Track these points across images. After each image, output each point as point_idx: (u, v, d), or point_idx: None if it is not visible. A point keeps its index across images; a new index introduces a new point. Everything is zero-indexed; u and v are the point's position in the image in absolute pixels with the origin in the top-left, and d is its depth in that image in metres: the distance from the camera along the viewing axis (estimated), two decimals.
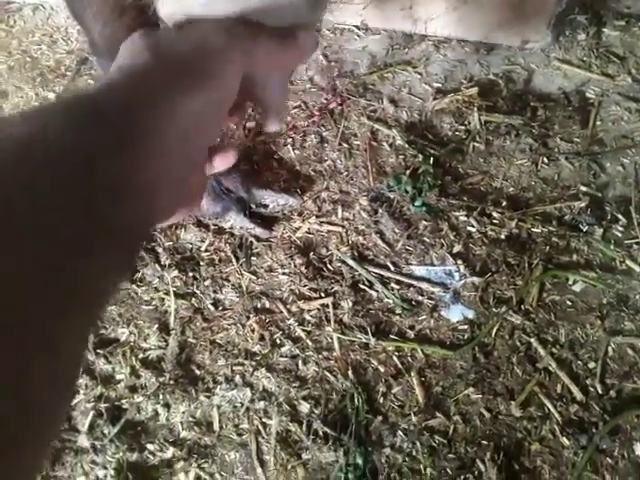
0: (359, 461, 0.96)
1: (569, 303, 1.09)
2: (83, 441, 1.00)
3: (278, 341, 1.07)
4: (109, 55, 0.96)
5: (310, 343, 1.06)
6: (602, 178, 1.23)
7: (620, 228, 1.16)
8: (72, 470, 0.98)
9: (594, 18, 1.46)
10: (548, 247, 1.15)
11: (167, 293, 1.11)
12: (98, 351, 1.06)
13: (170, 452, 0.99)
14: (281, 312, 1.09)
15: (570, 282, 1.11)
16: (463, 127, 1.30)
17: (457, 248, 1.15)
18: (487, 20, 1.38)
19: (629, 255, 1.13)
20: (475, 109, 1.30)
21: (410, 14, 1.40)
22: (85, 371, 1.04)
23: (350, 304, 1.09)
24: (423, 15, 1.40)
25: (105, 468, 0.98)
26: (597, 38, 1.43)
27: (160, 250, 1.16)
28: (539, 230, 1.16)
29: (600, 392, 1.02)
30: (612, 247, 1.14)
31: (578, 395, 1.01)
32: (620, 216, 1.17)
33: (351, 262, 1.13)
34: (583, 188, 1.21)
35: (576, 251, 1.14)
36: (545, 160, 1.25)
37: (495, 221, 1.18)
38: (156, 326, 1.08)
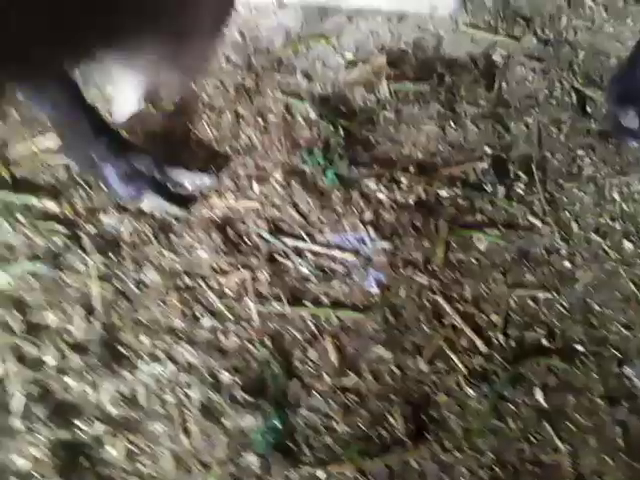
0: (277, 423, 0.97)
1: (474, 261, 1.10)
2: (16, 423, 0.99)
3: (199, 315, 1.05)
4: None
5: (230, 315, 1.05)
6: (506, 139, 1.22)
7: (522, 186, 1.16)
8: (8, 452, 0.98)
9: None
10: (454, 209, 1.14)
11: (91, 278, 1.09)
12: (26, 337, 1.04)
13: (99, 428, 0.98)
14: (201, 287, 1.08)
15: (475, 241, 1.11)
16: (374, 97, 1.27)
17: (368, 215, 1.14)
18: None
19: (530, 211, 1.13)
20: (384, 78, 1.27)
21: None
22: (15, 357, 1.02)
23: (267, 276, 1.08)
24: None
25: (40, 447, 0.97)
26: (504, 1, 1.40)
27: (83, 235, 1.12)
28: (445, 193, 1.15)
29: (502, 343, 1.03)
30: (514, 204, 1.14)
31: (482, 347, 1.02)
32: (522, 174, 1.17)
33: (267, 235, 1.12)
34: (488, 150, 1.20)
35: (480, 211, 1.14)
36: (452, 124, 1.24)
37: (403, 187, 1.16)
38: (81, 309, 1.06)
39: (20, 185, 1.18)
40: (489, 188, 1.15)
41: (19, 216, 1.13)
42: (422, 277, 1.07)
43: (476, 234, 1.11)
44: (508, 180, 1.16)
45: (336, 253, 1.10)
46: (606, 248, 1.10)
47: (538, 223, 1.11)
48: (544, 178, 1.16)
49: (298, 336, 1.04)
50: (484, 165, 1.17)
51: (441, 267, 1.08)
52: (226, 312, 1.05)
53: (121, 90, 0.89)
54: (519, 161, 1.18)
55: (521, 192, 1.15)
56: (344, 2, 1.38)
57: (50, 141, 1.20)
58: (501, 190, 1.15)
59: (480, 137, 1.22)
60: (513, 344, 1.03)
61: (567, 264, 1.08)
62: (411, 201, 1.15)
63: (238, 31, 1.38)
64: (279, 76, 1.31)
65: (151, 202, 1.13)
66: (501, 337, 1.03)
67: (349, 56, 1.33)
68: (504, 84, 1.29)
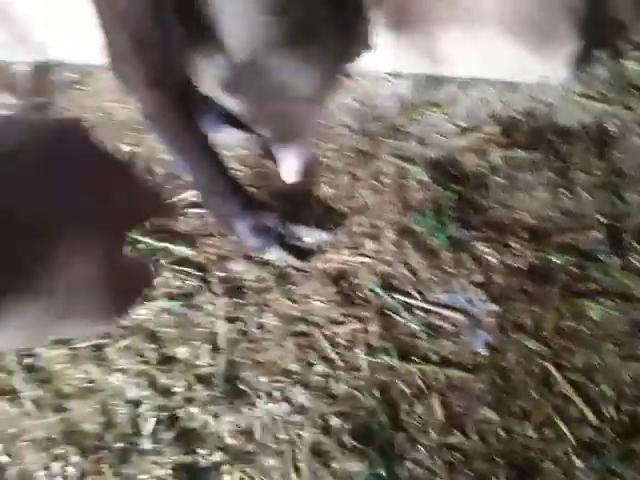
0: (382, 472, 1.00)
1: (586, 330, 1.09)
2: (146, 444, 1.09)
3: (313, 361, 1.12)
4: (152, 118, 1.06)
5: (341, 364, 1.11)
6: (621, 208, 1.22)
7: (637, 257, 1.14)
8: (135, 468, 1.07)
9: (613, 52, 1.44)
10: (566, 276, 1.15)
11: (218, 317, 1.19)
12: (159, 367, 1.15)
13: (218, 456, 1.06)
14: (315, 335, 1.15)
15: (587, 310, 1.10)
16: (485, 163, 1.31)
17: (478, 277, 1.17)
18: (508, 60, 1.39)
19: None
20: (496, 146, 1.32)
21: (435, 58, 1.43)
22: (149, 384, 1.13)
23: (377, 329, 1.13)
24: (447, 58, 1.42)
25: (164, 468, 1.06)
26: (617, 71, 1.42)
27: (214, 280, 1.24)
28: (557, 260, 1.16)
29: (614, 416, 1.01)
30: (629, 275, 1.12)
31: (592, 418, 1.00)
32: (637, 245, 1.15)
33: (379, 290, 1.17)
34: (601, 219, 1.20)
35: (593, 280, 1.14)
36: (564, 192, 1.25)
37: (515, 251, 1.19)
38: (208, 346, 1.16)
39: (162, 232, 1.32)
40: (603, 257, 1.15)
41: (162, 260, 1.26)
42: (532, 342, 1.08)
43: (589, 303, 1.10)
44: (622, 250, 1.15)
45: (445, 312, 1.14)
46: None
47: None
48: None
49: (406, 390, 1.08)
50: (597, 234, 1.17)
51: (552, 334, 1.08)
52: (338, 360, 1.11)
53: (285, 158, 1.01)
54: (634, 231, 1.17)
55: (636, 263, 1.14)
56: (456, 72, 1.45)
57: (190, 194, 1.35)
58: (615, 260, 1.14)
59: (593, 205, 1.23)
60: (625, 419, 1.00)
61: None
62: (522, 266, 1.17)
63: (356, 99, 1.48)
64: (393, 141, 1.39)
65: (274, 254, 1.23)
66: (613, 410, 1.01)
67: (461, 123, 1.39)
68: (617, 153, 1.29)
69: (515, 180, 1.28)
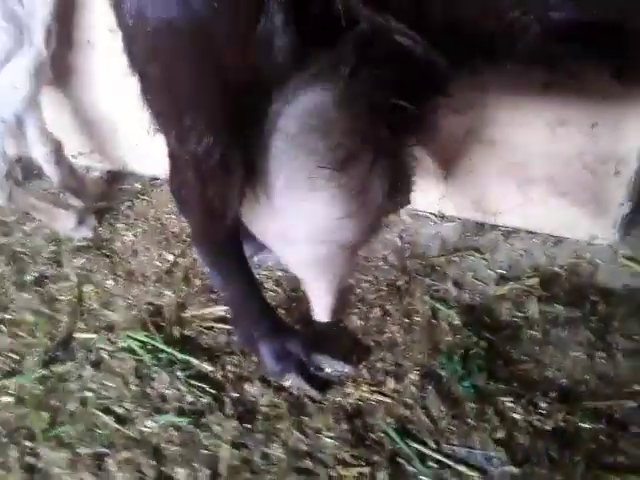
0: None
1: None
2: None
3: None
4: (201, 242, 1.16)
5: None
6: None
7: None
8: None
9: None
10: (594, 445, 1.09)
11: (224, 441, 1.19)
12: None
13: None
14: (320, 475, 1.13)
15: None
16: (521, 314, 1.32)
17: (500, 434, 1.13)
18: (554, 215, 1.44)
19: None
20: (535, 298, 1.33)
21: (481, 206, 1.50)
22: None
23: (386, 477, 1.10)
24: (493, 208, 1.49)
25: None
26: None
27: (227, 400, 1.26)
28: (587, 426, 1.12)
29: None
30: None
31: None
32: None
33: (393, 434, 1.15)
34: (639, 388, 1.17)
35: (623, 452, 1.08)
36: (602, 355, 1.23)
37: (542, 411, 1.15)
38: (208, 471, 1.15)
39: (186, 343, 1.38)
40: (635, 429, 1.10)
41: (178, 372, 1.31)
42: None
43: (616, 477, 1.04)
44: None
45: (461, 467, 1.10)
46: None
47: None
48: None
49: None
50: (633, 404, 1.13)
51: None
52: None
53: (317, 292, 1.07)
54: None
55: None
56: (501, 220, 1.51)
57: (220, 310, 1.42)
58: None
59: (632, 373, 1.19)
60: None
61: None
62: (549, 427, 1.12)
63: (398, 235, 1.56)
64: (430, 281, 1.43)
65: (293, 380, 1.25)
66: None
67: (500, 271, 1.43)
68: None
69: (550, 336, 1.28)
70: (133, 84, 0.89)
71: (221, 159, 0.77)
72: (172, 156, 0.91)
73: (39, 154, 1.66)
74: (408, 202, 0.99)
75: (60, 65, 1.64)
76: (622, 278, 1.37)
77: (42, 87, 1.57)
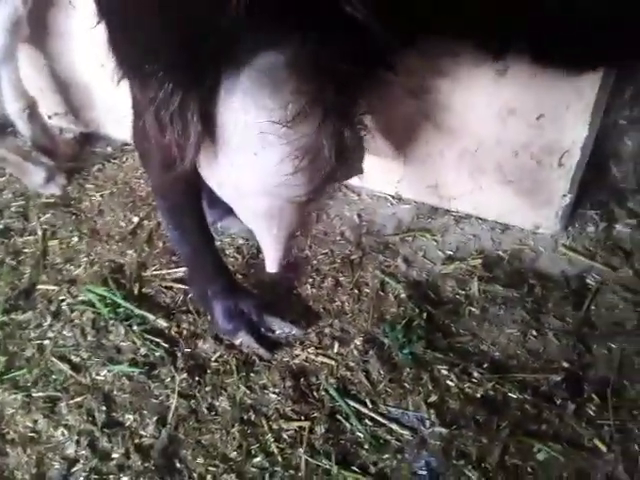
0: None
1: (529, 470, 1.09)
2: None
3: (253, 452, 1.14)
4: (161, 195, 1.20)
5: (280, 459, 1.13)
6: (586, 358, 1.25)
7: (593, 408, 1.16)
8: None
9: (605, 215, 1.54)
10: (519, 413, 1.17)
11: (173, 392, 1.24)
12: (104, 430, 1.19)
13: None
14: (263, 427, 1.18)
15: (535, 450, 1.12)
16: (463, 292, 1.39)
17: (433, 398, 1.20)
18: (502, 204, 1.51)
19: (598, 435, 1.12)
20: (476, 278, 1.40)
21: (436, 191, 1.57)
22: (89, 444, 1.17)
23: (324, 431, 1.16)
24: (447, 193, 1.56)
25: None
26: (606, 232, 1.51)
27: (179, 354, 1.30)
28: (514, 395, 1.19)
29: None
30: (582, 424, 1.14)
31: None
32: (595, 396, 1.18)
33: (334, 393, 1.21)
34: (565, 364, 1.24)
35: (546, 421, 1.15)
36: (534, 333, 1.30)
37: (474, 380, 1.22)
38: (156, 418, 1.20)
39: (144, 300, 1.41)
40: (559, 401, 1.18)
41: (135, 326, 1.35)
42: (473, 473, 1.08)
43: (537, 443, 1.12)
44: (580, 398, 1.17)
45: (394, 426, 1.16)
46: None
47: (603, 448, 1.09)
48: (618, 405, 1.16)
49: None
50: (558, 378, 1.21)
51: (494, 468, 1.09)
52: (278, 455, 1.13)
53: (267, 244, 1.11)
54: (595, 383, 1.20)
55: (591, 413, 1.15)
56: (454, 206, 1.58)
57: (180, 271, 1.46)
58: (571, 407, 1.16)
59: (560, 351, 1.27)
60: None
61: None
62: (478, 395, 1.19)
63: (357, 213, 1.61)
64: (382, 257, 1.49)
65: (243, 340, 1.30)
66: None
67: (448, 252, 1.49)
68: (593, 307, 1.35)
69: (488, 313, 1.35)
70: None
71: (180, 106, 0.81)
72: (134, 104, 0.94)
73: (13, 110, 1.67)
74: (360, 171, 1.04)
75: (39, 24, 1.65)
76: (560, 265, 1.45)
77: (18, 43, 1.58)
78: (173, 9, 0.71)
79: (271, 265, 1.08)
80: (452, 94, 1.31)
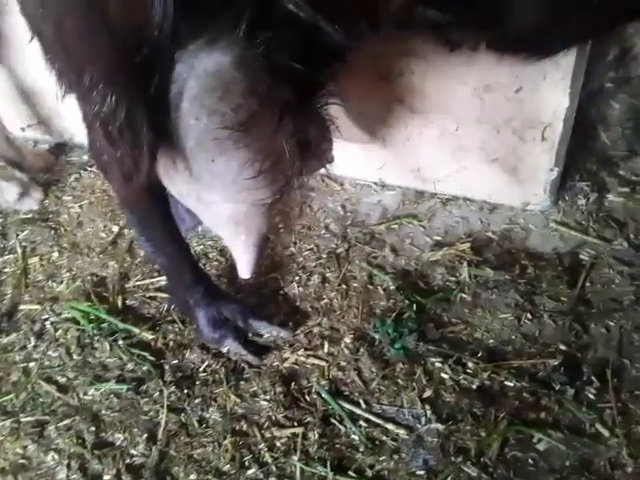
0: None
1: (530, 461, 1.04)
2: None
3: (247, 463, 1.10)
4: (127, 208, 1.15)
5: (275, 469, 1.09)
6: (584, 339, 1.20)
7: (593, 391, 1.11)
8: None
9: (597, 184, 1.48)
10: (517, 402, 1.12)
11: (162, 407, 1.19)
12: (94, 452, 1.15)
13: None
14: (255, 436, 1.13)
15: (535, 440, 1.07)
16: (453, 278, 1.33)
17: (428, 393, 1.15)
18: (488, 183, 1.45)
19: (600, 419, 1.07)
20: (466, 263, 1.35)
21: (420, 174, 1.50)
22: (79, 467, 1.13)
23: (317, 436, 1.11)
24: (431, 176, 1.49)
25: None
26: (598, 203, 1.44)
27: (166, 367, 1.26)
28: (511, 384, 1.14)
29: None
30: (583, 409, 1.09)
31: None
32: (595, 379, 1.13)
33: (326, 396, 1.17)
34: (562, 347, 1.18)
35: (545, 409, 1.10)
36: (529, 316, 1.25)
37: (469, 371, 1.17)
38: (146, 435, 1.16)
39: (128, 313, 1.37)
40: (558, 387, 1.13)
41: (120, 341, 1.30)
42: (472, 469, 1.04)
43: (537, 433, 1.07)
44: (580, 382, 1.12)
45: (389, 425, 1.11)
46: None
47: (606, 433, 1.05)
48: (619, 386, 1.11)
49: None
50: (556, 362, 1.15)
51: (494, 462, 1.04)
52: (272, 465, 1.09)
53: (237, 251, 1.06)
54: (594, 364, 1.15)
55: (592, 397, 1.10)
56: (440, 188, 1.51)
57: (163, 279, 1.41)
58: (570, 391, 1.11)
59: (556, 333, 1.21)
60: None
61: None
62: (474, 386, 1.14)
63: (341, 204, 1.55)
64: (369, 248, 1.43)
65: (230, 347, 1.25)
66: None
67: (436, 238, 1.43)
68: (588, 284, 1.29)
69: (480, 298, 1.29)
70: None
71: (127, 118, 0.75)
72: (84, 118, 0.89)
73: None
74: (330, 161, 0.98)
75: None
76: (552, 242, 1.39)
77: None
78: (97, 19, 0.65)
79: (243, 271, 1.03)
80: (425, 75, 1.24)
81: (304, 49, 0.70)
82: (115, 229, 1.57)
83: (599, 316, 1.23)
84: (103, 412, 1.21)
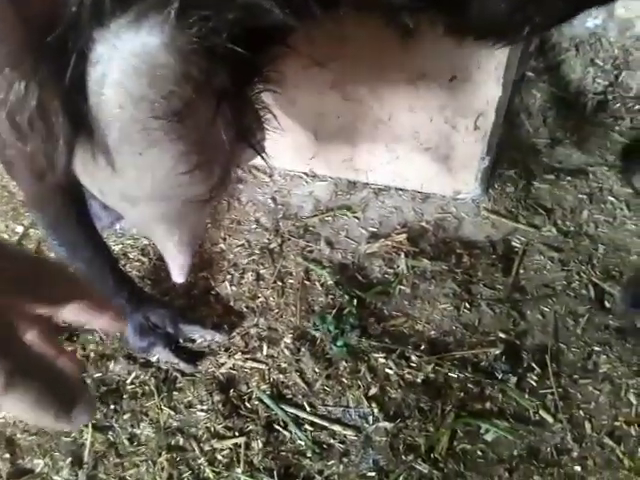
0: None
1: (479, 453, 1.04)
2: None
3: None
4: (37, 209, 1.02)
5: None
6: (521, 326, 1.21)
7: (534, 377, 1.13)
8: None
9: (524, 172, 1.51)
10: (462, 393, 1.11)
11: (86, 426, 1.08)
12: None
13: None
14: (193, 450, 1.05)
15: (482, 431, 1.07)
16: (392, 270, 1.31)
17: (373, 390, 1.12)
18: (421, 172, 1.43)
19: (543, 405, 1.09)
20: (403, 254, 1.33)
21: (352, 164, 1.46)
22: None
23: (261, 445, 1.05)
24: (363, 166, 1.46)
25: None
26: (526, 191, 1.47)
27: (89, 381, 1.15)
28: (455, 375, 1.13)
29: None
30: (526, 396, 1.10)
31: None
32: (535, 365, 1.14)
33: (268, 401, 1.10)
34: (502, 335, 1.19)
35: (490, 399, 1.10)
36: (467, 305, 1.24)
37: (413, 364, 1.15)
38: (70, 459, 1.04)
39: None
40: (501, 375, 1.13)
41: None
42: (423, 466, 1.02)
43: (484, 424, 1.07)
44: (521, 369, 1.13)
45: (336, 427, 1.07)
46: (620, 454, 1.03)
47: (549, 419, 1.06)
48: (558, 371, 1.13)
49: None
50: (497, 351, 1.16)
51: (444, 457, 1.03)
52: None
53: (169, 252, 0.96)
54: (533, 350, 1.16)
55: (533, 383, 1.11)
56: (372, 178, 1.48)
57: None
58: (513, 379, 1.11)
59: (495, 321, 1.22)
60: None
61: (578, 468, 1.01)
62: (419, 380, 1.12)
63: (271, 196, 1.49)
64: (304, 242, 1.38)
65: (160, 355, 1.15)
66: None
67: (372, 229, 1.40)
68: (522, 270, 1.31)
69: (419, 290, 1.28)
70: None
71: (38, 107, 0.65)
72: None
73: None
74: (262, 150, 0.91)
75: None
76: (485, 230, 1.40)
77: None
78: None
79: (178, 274, 0.94)
80: (360, 61, 1.19)
81: (244, 30, 0.63)
82: (19, 229, 1.41)
83: (534, 302, 1.25)
84: (19, 436, 1.08)
